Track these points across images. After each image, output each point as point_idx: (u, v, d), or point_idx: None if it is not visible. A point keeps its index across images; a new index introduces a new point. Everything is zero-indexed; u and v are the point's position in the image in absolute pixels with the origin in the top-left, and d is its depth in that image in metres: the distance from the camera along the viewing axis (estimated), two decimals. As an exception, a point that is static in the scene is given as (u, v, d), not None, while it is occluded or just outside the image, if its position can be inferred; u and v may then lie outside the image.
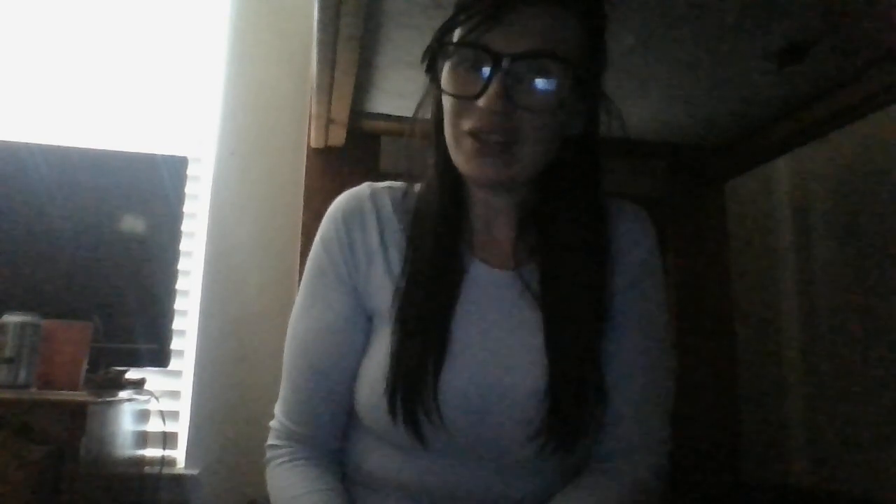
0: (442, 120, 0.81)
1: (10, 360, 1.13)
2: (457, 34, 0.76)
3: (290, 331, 0.89)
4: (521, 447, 0.78)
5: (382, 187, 0.90)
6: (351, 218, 0.87)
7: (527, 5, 0.73)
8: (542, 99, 0.74)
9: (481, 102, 0.73)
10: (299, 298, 0.89)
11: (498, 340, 0.81)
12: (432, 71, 0.79)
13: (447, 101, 0.78)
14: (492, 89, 0.73)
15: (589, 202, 0.83)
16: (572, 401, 0.77)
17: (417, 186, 0.89)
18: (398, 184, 0.90)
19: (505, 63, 0.72)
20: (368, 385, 0.82)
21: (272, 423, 0.89)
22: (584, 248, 0.82)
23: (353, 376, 0.85)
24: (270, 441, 0.88)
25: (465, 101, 0.75)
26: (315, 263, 0.88)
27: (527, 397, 0.78)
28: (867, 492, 1.48)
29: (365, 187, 0.90)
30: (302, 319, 0.88)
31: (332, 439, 0.87)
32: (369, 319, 0.86)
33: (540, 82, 0.74)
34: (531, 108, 0.74)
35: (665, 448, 0.85)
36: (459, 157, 0.78)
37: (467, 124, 0.76)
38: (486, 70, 0.73)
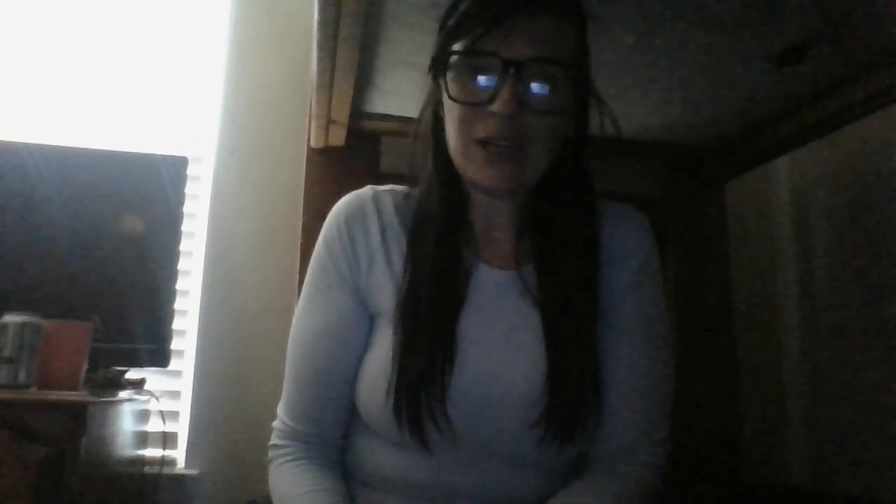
0: (438, 125, 0.82)
1: (10, 360, 1.13)
2: (462, 43, 0.78)
3: (292, 330, 0.89)
4: (521, 436, 0.79)
5: (384, 190, 0.91)
6: (353, 218, 0.88)
7: (528, 13, 0.75)
8: (550, 102, 0.76)
9: (495, 108, 0.75)
10: (302, 298, 0.90)
11: (500, 340, 0.82)
12: (436, 80, 0.81)
13: (454, 110, 0.79)
14: (505, 94, 0.74)
15: (582, 201, 0.85)
16: (570, 390, 0.78)
17: (418, 190, 0.89)
18: (400, 187, 0.91)
19: (514, 69, 0.74)
20: (369, 383, 0.82)
21: (275, 423, 0.90)
22: (578, 249, 0.83)
23: (355, 375, 0.85)
24: (273, 441, 0.89)
25: (475, 108, 0.76)
26: (317, 263, 0.89)
27: (526, 389, 0.79)
28: (867, 492, 1.48)
29: (367, 190, 0.91)
30: (304, 318, 0.88)
31: (334, 438, 0.88)
32: (371, 319, 0.87)
33: (546, 87, 0.76)
34: (540, 112, 0.76)
35: (664, 448, 0.85)
36: (469, 166, 0.79)
37: (478, 132, 0.77)
38: (496, 77, 0.75)
